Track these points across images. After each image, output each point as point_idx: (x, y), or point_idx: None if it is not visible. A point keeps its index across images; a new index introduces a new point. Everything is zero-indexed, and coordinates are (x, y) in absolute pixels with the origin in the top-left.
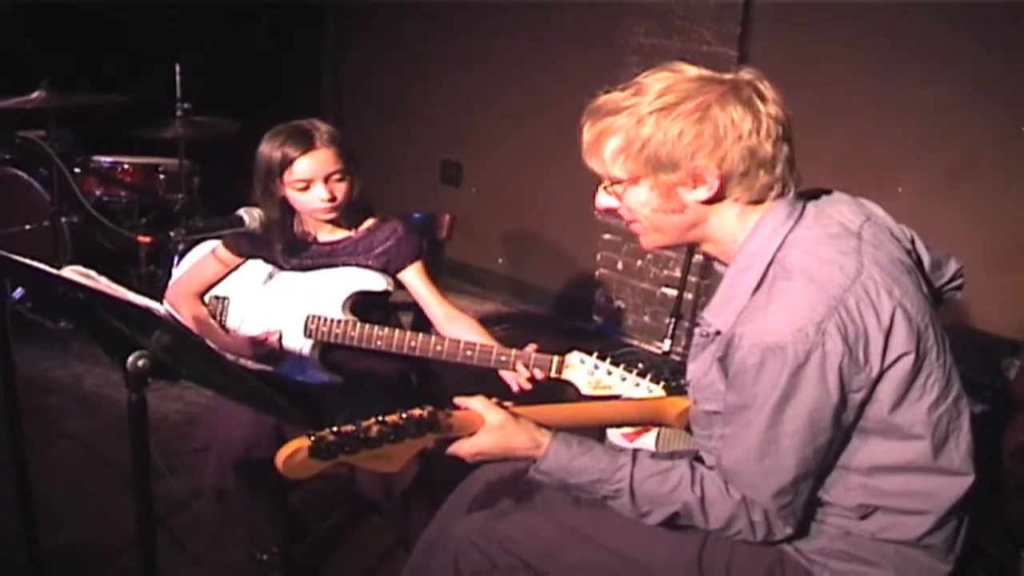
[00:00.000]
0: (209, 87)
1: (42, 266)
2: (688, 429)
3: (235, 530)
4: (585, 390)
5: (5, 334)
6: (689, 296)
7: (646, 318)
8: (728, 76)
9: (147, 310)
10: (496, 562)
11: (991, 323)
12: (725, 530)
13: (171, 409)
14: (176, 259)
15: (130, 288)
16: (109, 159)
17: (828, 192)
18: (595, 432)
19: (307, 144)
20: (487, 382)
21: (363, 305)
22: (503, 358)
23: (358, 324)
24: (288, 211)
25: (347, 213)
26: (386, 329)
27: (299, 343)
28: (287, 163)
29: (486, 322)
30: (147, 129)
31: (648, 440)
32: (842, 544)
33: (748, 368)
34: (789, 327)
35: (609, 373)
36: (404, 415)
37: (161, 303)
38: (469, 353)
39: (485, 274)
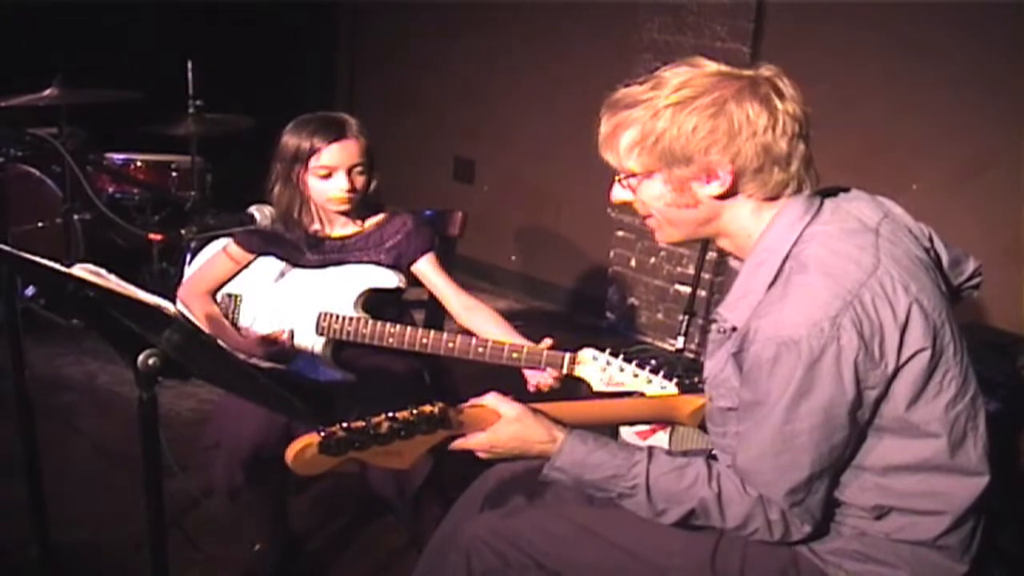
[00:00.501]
0: (221, 84)
1: (52, 264)
2: (702, 427)
3: (246, 528)
4: (597, 387)
5: (17, 331)
6: (703, 293)
7: (659, 315)
8: (748, 72)
9: (157, 308)
10: (509, 561)
11: (1005, 320)
12: (742, 529)
13: (184, 407)
14: (188, 256)
15: (142, 286)
16: (121, 156)
17: (846, 189)
18: (608, 430)
19: (339, 132)
20: (501, 379)
21: (375, 302)
22: (515, 354)
23: (370, 321)
24: (300, 204)
25: (359, 207)
26: (398, 326)
27: (311, 341)
28: (316, 148)
29: None
30: (159, 126)
31: (661, 439)
32: (857, 544)
33: (763, 362)
34: (804, 321)
35: (622, 370)
36: (415, 411)
37: (173, 301)
38: (481, 350)
39: (498, 271)
